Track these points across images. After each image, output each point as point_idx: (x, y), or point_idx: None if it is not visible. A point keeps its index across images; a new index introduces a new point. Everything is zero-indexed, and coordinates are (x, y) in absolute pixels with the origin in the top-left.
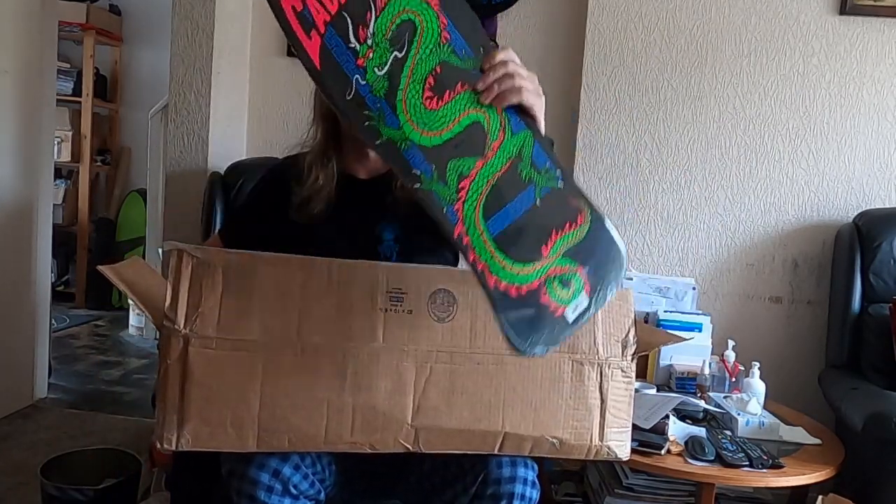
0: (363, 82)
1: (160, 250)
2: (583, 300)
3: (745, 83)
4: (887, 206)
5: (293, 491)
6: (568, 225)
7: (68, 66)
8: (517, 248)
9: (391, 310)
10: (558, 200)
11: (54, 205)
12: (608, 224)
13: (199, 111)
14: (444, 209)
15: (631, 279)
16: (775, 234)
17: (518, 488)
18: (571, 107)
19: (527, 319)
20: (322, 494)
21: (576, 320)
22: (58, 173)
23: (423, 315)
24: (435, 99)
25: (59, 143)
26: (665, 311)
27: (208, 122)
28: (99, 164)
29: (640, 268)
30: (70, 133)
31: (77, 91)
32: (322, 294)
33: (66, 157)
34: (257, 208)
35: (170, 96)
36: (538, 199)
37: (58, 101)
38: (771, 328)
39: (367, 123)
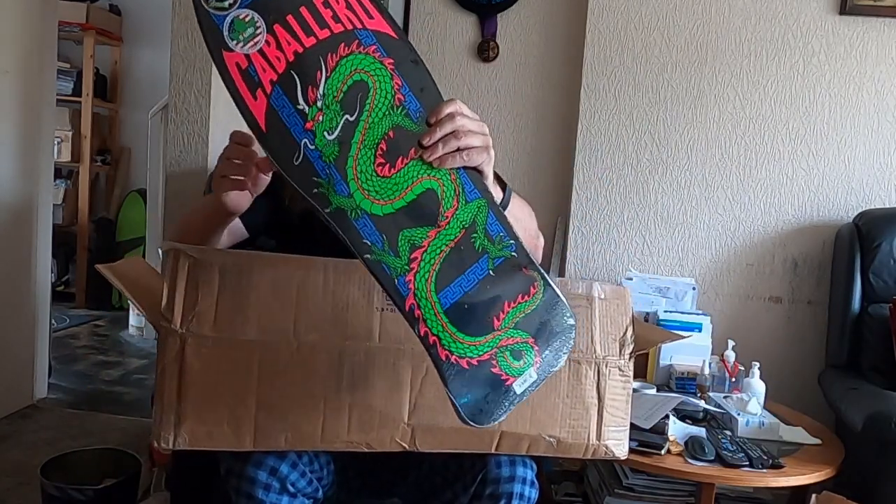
0: (312, 147)
1: (160, 250)
2: (531, 374)
3: (745, 83)
4: (887, 206)
5: (291, 489)
6: (521, 296)
7: (68, 66)
8: (469, 321)
9: (388, 308)
10: (512, 270)
11: (54, 205)
12: (559, 293)
13: (199, 111)
14: (395, 280)
15: (631, 279)
16: (775, 234)
17: (517, 488)
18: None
19: (477, 390)
20: (320, 493)
21: (524, 392)
22: (58, 173)
23: None
24: (387, 166)
25: (59, 143)
26: (665, 311)
27: (208, 122)
28: (99, 164)
29: (640, 268)
30: (70, 133)
31: (77, 91)
32: (318, 293)
33: (66, 157)
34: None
35: (170, 96)
36: (491, 270)
37: (58, 101)
38: (771, 328)
39: (315, 191)
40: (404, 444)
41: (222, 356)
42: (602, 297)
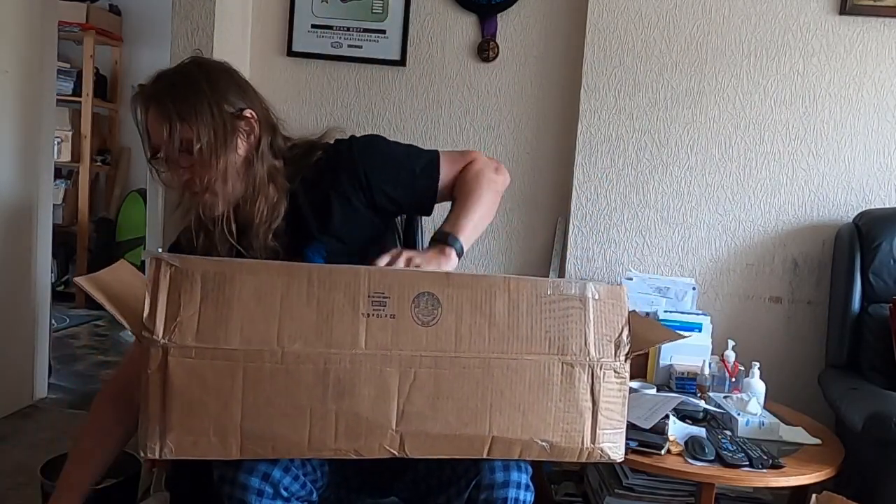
0: None
1: (159, 251)
2: None
3: (745, 83)
4: (887, 206)
5: (284, 494)
6: None
7: (68, 66)
8: None
9: (374, 314)
10: None
11: (54, 205)
12: None
13: None
14: None
15: (631, 279)
16: (775, 234)
17: (511, 493)
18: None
19: None
20: (314, 495)
21: None
22: (58, 173)
23: (407, 319)
24: None
25: (59, 143)
26: (665, 311)
27: None
28: (99, 164)
29: (640, 268)
30: (70, 133)
31: (77, 91)
32: (303, 300)
33: (66, 157)
34: None
35: None
36: None
37: (58, 101)
38: (771, 328)
39: None
40: (393, 451)
41: (206, 366)
42: (596, 297)
